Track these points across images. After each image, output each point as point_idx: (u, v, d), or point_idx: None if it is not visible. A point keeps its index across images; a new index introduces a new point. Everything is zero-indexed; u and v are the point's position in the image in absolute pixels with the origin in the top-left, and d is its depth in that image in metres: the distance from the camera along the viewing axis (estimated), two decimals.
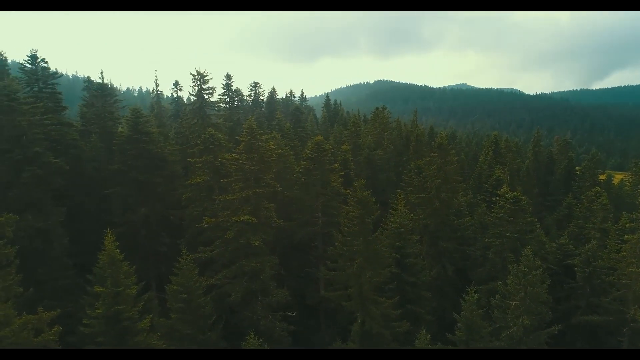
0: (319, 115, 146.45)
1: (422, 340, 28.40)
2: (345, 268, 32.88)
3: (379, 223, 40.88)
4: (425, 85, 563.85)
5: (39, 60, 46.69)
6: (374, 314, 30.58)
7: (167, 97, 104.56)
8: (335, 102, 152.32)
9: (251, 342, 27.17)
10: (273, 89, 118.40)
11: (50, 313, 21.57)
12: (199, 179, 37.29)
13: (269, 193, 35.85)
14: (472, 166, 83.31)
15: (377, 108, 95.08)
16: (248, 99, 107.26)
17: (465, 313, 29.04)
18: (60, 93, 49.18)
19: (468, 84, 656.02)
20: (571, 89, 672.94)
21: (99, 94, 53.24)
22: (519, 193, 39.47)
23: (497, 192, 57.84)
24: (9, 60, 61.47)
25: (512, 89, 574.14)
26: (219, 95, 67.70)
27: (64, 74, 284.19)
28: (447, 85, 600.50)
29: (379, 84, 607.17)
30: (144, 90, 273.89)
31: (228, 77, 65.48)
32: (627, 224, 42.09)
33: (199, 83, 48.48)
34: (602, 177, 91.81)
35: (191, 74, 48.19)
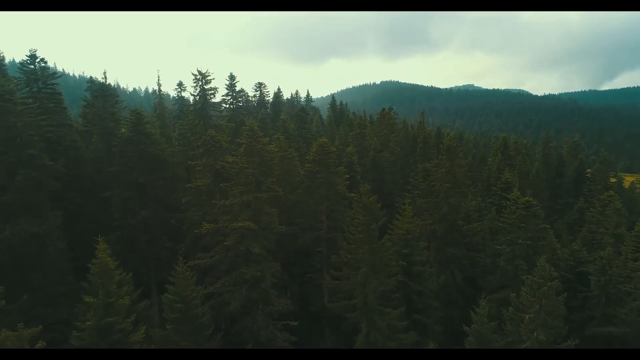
0: (325, 116, 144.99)
1: None
2: (350, 277, 31.51)
3: (384, 228, 39.55)
4: (432, 86, 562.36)
5: (38, 59, 45.78)
6: (380, 325, 29.23)
7: (174, 97, 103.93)
8: (341, 102, 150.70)
9: None
10: (279, 89, 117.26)
11: (31, 330, 20.23)
12: (199, 182, 36.08)
13: (271, 197, 34.52)
14: (480, 168, 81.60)
15: (384, 109, 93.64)
16: (253, 99, 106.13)
17: (476, 326, 27.65)
18: (60, 93, 48.26)
19: (475, 85, 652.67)
20: (579, 90, 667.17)
21: (100, 94, 52.22)
22: (530, 198, 37.84)
23: (507, 195, 56.48)
24: (8, 60, 60.65)
25: (520, 89, 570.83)
26: (223, 95, 66.65)
27: (71, 75, 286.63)
28: (454, 86, 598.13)
29: (386, 84, 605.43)
30: (150, 90, 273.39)
31: (231, 77, 64.25)
32: None
33: (200, 83, 47.31)
34: (613, 179, 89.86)
35: (193, 74, 47.07)
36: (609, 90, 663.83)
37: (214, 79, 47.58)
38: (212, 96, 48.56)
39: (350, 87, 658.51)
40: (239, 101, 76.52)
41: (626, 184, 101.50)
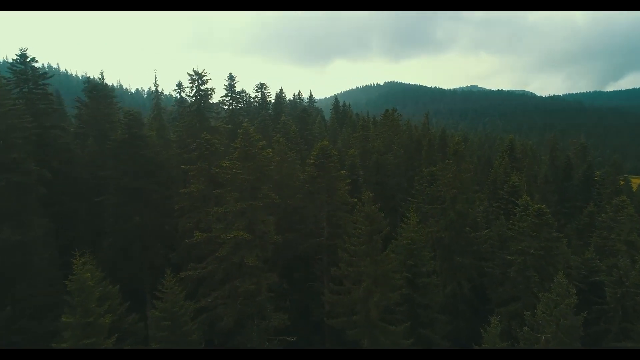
0: (328, 117, 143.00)
1: None
2: (351, 291, 29.55)
3: (388, 237, 37.61)
4: (436, 87, 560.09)
5: (29, 59, 44.04)
6: (383, 343, 27.28)
7: (175, 98, 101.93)
8: (344, 103, 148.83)
9: None
10: (281, 90, 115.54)
11: None
12: (193, 188, 34.23)
13: (268, 204, 32.57)
14: (486, 171, 79.46)
15: (387, 110, 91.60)
16: (254, 100, 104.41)
17: (487, 346, 25.64)
18: (51, 94, 46.59)
19: (479, 86, 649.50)
20: (584, 91, 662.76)
21: (94, 95, 50.44)
22: (542, 206, 35.81)
23: (516, 201, 54.46)
24: (2, 59, 59.03)
25: (524, 90, 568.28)
26: (222, 96, 64.74)
27: (74, 75, 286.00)
28: (458, 87, 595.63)
29: (389, 85, 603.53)
30: (153, 91, 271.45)
31: (231, 77, 62.31)
32: None
33: (196, 84, 45.41)
34: (621, 182, 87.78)
35: (189, 74, 45.17)
36: (614, 91, 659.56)
37: (210, 79, 45.74)
38: (209, 97, 46.55)
39: (354, 87, 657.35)
40: (239, 102, 74.58)
41: (633, 186, 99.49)
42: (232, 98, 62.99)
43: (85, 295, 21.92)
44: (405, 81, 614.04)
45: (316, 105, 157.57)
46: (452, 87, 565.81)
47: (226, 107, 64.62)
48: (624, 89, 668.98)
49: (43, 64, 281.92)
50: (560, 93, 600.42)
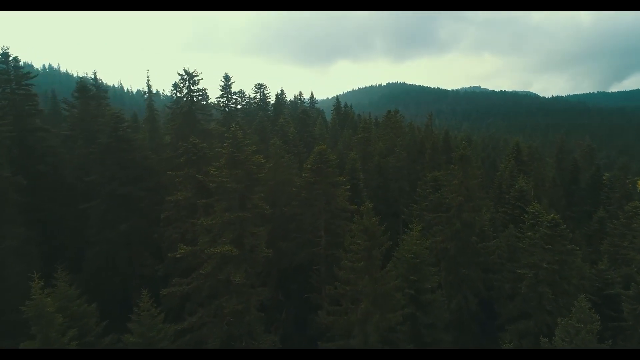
0: (330, 119, 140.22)
1: None
2: (348, 312, 26.99)
3: (390, 247, 35.16)
4: (438, 88, 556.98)
5: (11, 58, 41.82)
6: None
7: (172, 99, 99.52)
8: (346, 104, 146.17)
9: None
10: (281, 91, 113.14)
11: None
12: (179, 196, 31.80)
13: (259, 215, 30.06)
14: (491, 174, 76.86)
15: (389, 111, 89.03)
16: (253, 101, 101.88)
17: None
18: (35, 95, 44.26)
19: (482, 87, 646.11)
20: (588, 92, 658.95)
21: (82, 96, 48.16)
22: (556, 216, 33.25)
23: (524, 206, 51.93)
24: None
25: (527, 91, 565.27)
26: (217, 97, 62.33)
27: (75, 76, 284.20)
28: (460, 87, 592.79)
29: (392, 86, 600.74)
30: (154, 92, 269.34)
31: (227, 77, 59.84)
32: None
33: (187, 84, 42.99)
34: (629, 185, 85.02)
35: (179, 73, 42.77)
36: (618, 92, 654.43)
37: (202, 79, 43.43)
38: (204, 98, 44.11)
39: (356, 88, 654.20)
40: (236, 103, 72.10)
41: (639, 187, 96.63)
42: (228, 99, 60.49)
43: (45, 322, 19.49)
44: (408, 82, 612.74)
45: (318, 106, 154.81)
46: (454, 88, 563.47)
47: (221, 108, 62.03)
48: (628, 89, 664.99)
49: (44, 65, 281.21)
50: (564, 94, 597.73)
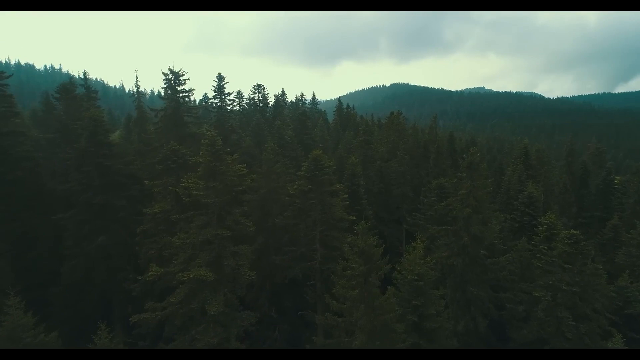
0: (332, 120, 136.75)
1: None
2: (342, 345, 23.70)
3: (391, 259, 31.87)
4: (442, 89, 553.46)
5: None
6: None
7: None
8: (348, 106, 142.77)
9: None
10: (282, 91, 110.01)
11: None
12: (156, 209, 28.60)
13: (238, 234, 26.70)
14: (497, 178, 73.39)
15: (392, 113, 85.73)
16: (252, 102, 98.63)
17: None
18: (11, 96, 41.27)
19: (486, 88, 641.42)
20: (593, 93, 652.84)
21: (63, 97, 45.14)
22: (576, 231, 29.88)
23: (535, 215, 48.65)
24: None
25: (532, 92, 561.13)
26: (210, 98, 59.06)
27: (77, 76, 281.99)
28: (465, 88, 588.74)
29: (396, 87, 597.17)
30: (156, 93, 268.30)
31: (220, 77, 56.38)
32: None
33: (172, 84, 39.74)
34: None
35: (163, 73, 39.55)
36: (624, 92, 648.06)
37: (188, 79, 40.10)
38: (187, 99, 40.81)
39: (360, 89, 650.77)
40: (234, 104, 68.75)
41: None
42: (222, 100, 57.20)
43: None
44: (412, 82, 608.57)
45: (321, 107, 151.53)
46: (459, 89, 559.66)
47: (214, 109, 58.60)
48: (634, 90, 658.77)
49: (45, 65, 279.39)
50: (569, 95, 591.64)
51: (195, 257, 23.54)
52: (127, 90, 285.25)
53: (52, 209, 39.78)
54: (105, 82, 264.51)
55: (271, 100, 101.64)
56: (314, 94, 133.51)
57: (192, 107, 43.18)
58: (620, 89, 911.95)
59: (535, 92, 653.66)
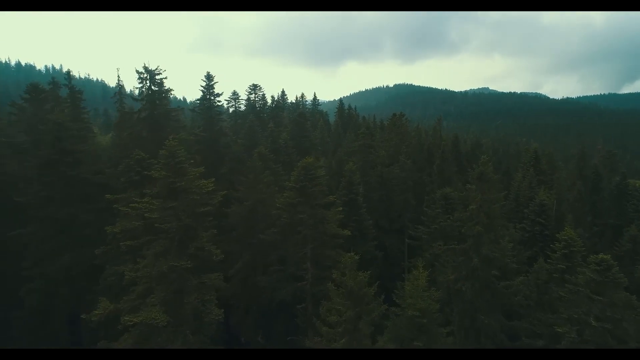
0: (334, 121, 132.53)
1: None
2: None
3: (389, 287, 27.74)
4: (446, 89, 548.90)
5: None
6: None
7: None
8: (350, 106, 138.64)
9: None
10: (282, 92, 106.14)
11: None
12: (117, 228, 24.50)
13: (203, 262, 22.48)
14: (506, 184, 69.03)
15: (395, 114, 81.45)
16: (249, 103, 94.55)
17: None
18: None
19: (490, 88, 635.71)
20: (599, 93, 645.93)
21: (33, 98, 41.21)
22: (607, 256, 25.57)
23: (545, 222, 44.60)
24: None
25: (536, 93, 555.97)
26: (197, 99, 54.88)
27: (78, 77, 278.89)
28: (469, 89, 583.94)
29: (399, 87, 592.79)
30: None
31: (209, 77, 52.13)
32: None
33: (147, 84, 35.62)
34: None
35: (137, 71, 35.45)
36: (630, 93, 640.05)
37: (166, 78, 36.01)
38: (163, 100, 36.62)
39: (363, 90, 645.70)
40: (228, 105, 64.60)
41: None
42: (211, 101, 53.04)
43: None
44: (416, 83, 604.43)
45: (324, 108, 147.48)
46: (463, 90, 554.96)
47: (200, 111, 54.31)
48: None
49: (46, 65, 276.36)
50: (574, 95, 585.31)
51: (152, 292, 19.46)
52: (128, 90, 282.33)
53: (17, 223, 35.93)
54: (107, 83, 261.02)
55: (268, 100, 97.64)
56: (314, 94, 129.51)
57: (171, 110, 39.00)
58: (626, 89, 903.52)
59: (540, 92, 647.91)
